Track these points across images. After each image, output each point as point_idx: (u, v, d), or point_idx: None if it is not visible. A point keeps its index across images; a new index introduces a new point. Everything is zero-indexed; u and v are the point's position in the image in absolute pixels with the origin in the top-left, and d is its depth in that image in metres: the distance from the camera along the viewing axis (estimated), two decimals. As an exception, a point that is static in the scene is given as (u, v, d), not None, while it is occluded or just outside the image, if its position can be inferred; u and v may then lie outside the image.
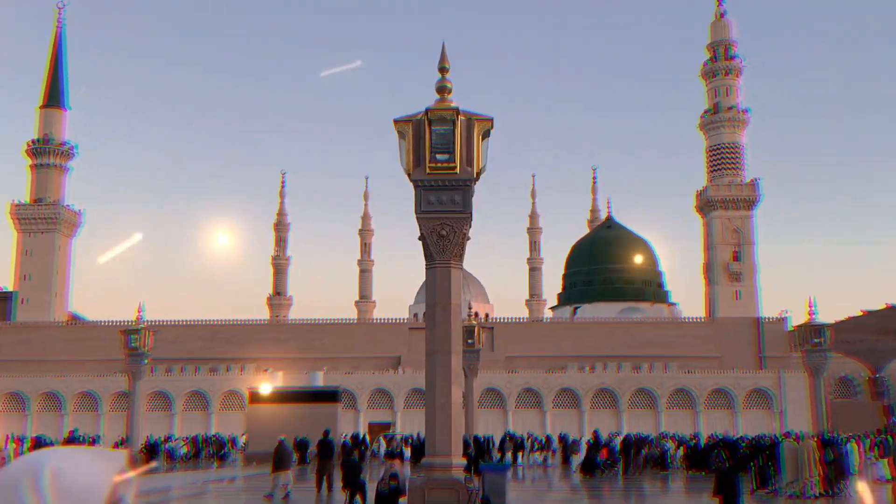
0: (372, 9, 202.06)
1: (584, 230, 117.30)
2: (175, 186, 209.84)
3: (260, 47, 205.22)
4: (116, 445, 64.59)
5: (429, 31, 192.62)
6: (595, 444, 35.66)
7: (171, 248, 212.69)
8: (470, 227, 14.42)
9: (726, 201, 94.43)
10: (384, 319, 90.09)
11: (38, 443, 29.35)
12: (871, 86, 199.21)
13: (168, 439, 57.62)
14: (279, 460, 23.06)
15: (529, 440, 48.02)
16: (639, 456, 35.18)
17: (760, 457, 25.18)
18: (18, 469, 1.75)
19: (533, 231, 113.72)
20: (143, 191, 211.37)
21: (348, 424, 64.86)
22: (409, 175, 14.29)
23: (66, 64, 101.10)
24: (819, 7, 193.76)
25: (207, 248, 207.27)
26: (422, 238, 14.14)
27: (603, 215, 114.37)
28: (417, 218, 14.21)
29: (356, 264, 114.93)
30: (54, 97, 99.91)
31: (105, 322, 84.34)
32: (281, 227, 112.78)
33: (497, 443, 45.28)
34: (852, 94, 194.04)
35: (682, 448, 38.69)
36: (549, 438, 50.30)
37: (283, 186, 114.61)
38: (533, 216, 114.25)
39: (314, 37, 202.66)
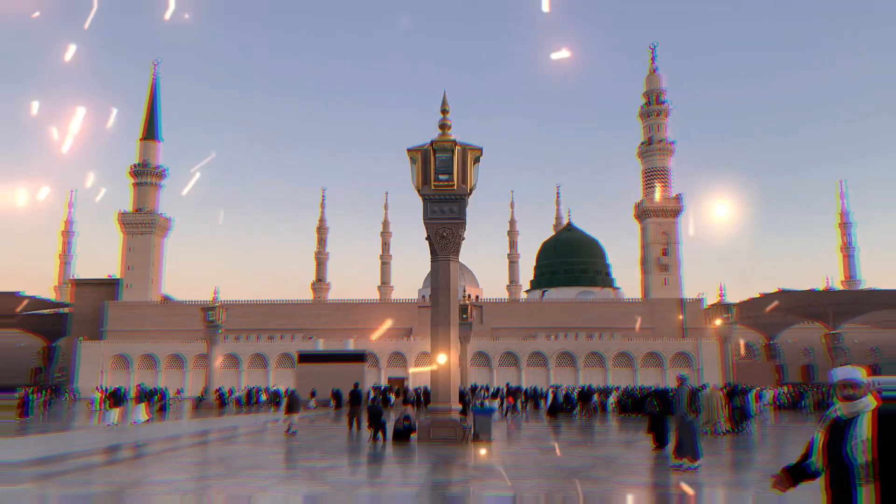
0: (392, 59, 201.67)
1: (550, 232, 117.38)
2: (241, 198, 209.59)
3: (308, 95, 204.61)
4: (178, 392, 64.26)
5: (436, 78, 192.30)
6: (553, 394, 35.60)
7: (239, 246, 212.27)
8: (464, 230, 14.37)
9: (657, 211, 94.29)
10: (399, 300, 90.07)
11: (115, 393, 29.08)
12: (776, 112, 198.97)
13: (230, 391, 57.46)
14: (291, 405, 22.84)
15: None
16: (590, 403, 35.21)
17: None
18: None
19: (512, 233, 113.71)
20: (218, 201, 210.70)
21: (372, 379, 64.93)
22: (418, 190, 14.20)
23: (160, 105, 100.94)
24: (733, 62, 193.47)
25: (267, 245, 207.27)
26: (428, 239, 14.07)
27: (564, 221, 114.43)
28: (425, 223, 14.14)
29: (378, 258, 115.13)
30: (151, 132, 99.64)
31: (189, 302, 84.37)
32: (322, 231, 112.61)
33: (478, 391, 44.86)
34: (759, 122, 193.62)
35: (622, 396, 38.29)
36: (519, 389, 49.75)
37: (323, 199, 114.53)
38: (512, 222, 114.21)
39: (351, 80, 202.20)
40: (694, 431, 13.07)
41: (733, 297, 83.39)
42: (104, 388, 30.75)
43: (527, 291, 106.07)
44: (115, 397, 28.23)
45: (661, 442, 16.27)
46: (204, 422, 29.59)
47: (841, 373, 3.48)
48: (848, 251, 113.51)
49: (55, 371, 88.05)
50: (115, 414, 27.38)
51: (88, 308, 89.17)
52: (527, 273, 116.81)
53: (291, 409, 22.41)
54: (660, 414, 17.08)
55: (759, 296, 71.09)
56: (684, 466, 12.74)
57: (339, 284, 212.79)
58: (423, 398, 39.19)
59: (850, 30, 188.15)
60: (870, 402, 3.31)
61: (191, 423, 29.62)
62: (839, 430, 3.29)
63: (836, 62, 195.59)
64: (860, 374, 3.45)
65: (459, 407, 19.52)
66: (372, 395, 39.18)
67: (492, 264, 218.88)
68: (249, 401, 50.65)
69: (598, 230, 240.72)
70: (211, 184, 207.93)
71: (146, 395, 28.41)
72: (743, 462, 14.86)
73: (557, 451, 16.37)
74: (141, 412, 28.71)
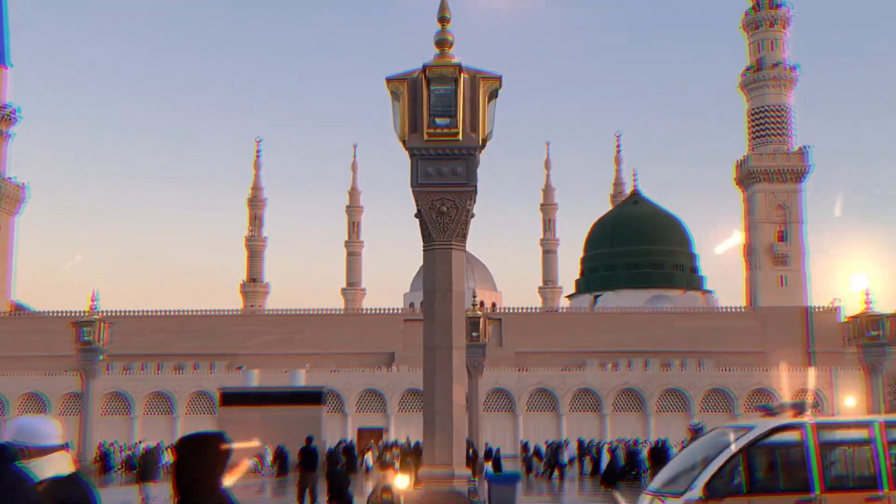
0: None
1: (607, 206, 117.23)
2: (132, 157, 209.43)
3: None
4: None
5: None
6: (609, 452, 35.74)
7: (129, 229, 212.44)
8: (474, 202, 14.36)
9: (771, 173, 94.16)
10: (375, 310, 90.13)
11: None
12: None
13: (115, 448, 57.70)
14: (145, 470, 23.17)
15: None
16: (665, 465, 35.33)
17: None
18: None
19: (547, 208, 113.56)
20: (96, 162, 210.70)
21: (335, 430, 65.00)
22: (403, 143, 14.20)
23: (6, 15, 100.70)
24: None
25: (171, 230, 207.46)
26: (419, 215, 14.07)
27: (628, 189, 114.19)
28: (414, 192, 14.16)
29: (343, 246, 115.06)
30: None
31: (54, 313, 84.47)
32: (256, 204, 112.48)
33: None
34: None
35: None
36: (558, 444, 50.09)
37: (258, 156, 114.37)
38: (547, 190, 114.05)
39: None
40: None
41: (886, 306, 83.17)
42: None
43: (570, 297, 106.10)
44: None
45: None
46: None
47: None
48: None
49: None
50: None
51: None
52: (570, 269, 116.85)
53: (145, 476, 22.78)
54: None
55: (925, 303, 71.07)
56: None
57: (282, 286, 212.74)
58: (406, 456, 39.29)
59: None
60: None
61: None
62: None
63: None
64: None
65: (467, 472, 19.61)
66: (335, 452, 39.34)
67: (516, 256, 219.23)
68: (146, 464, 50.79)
69: (679, 203, 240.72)
70: (84, 135, 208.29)
71: None
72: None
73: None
74: None
